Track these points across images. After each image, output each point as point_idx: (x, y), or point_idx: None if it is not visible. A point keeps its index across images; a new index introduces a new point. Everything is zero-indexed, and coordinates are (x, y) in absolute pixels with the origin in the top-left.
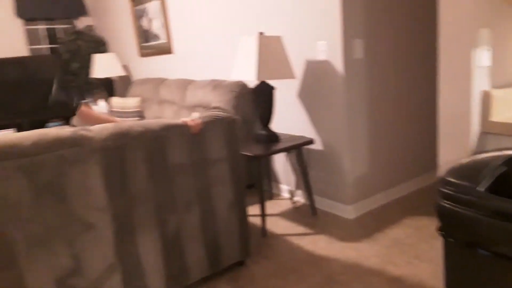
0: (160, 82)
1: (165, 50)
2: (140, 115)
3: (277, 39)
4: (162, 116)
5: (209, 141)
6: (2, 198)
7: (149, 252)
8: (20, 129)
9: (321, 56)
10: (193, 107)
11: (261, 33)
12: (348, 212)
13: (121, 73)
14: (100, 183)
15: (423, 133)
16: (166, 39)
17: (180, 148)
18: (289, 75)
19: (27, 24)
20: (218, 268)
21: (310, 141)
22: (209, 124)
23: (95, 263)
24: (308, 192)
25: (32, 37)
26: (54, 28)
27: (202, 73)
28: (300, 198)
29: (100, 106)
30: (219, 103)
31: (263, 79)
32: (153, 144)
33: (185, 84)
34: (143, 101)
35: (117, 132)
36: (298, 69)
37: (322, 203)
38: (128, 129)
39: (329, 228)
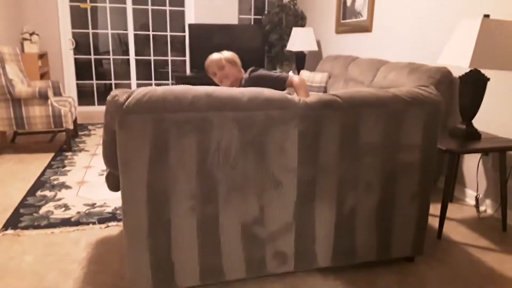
0: (351, 60)
1: (363, 28)
2: (325, 90)
3: (507, 25)
4: None
5: (407, 124)
6: (217, 142)
7: (324, 222)
8: None
9: None
10: (381, 89)
11: (486, 16)
12: None
13: (314, 48)
14: (294, 146)
15: None
16: (367, 16)
17: (375, 127)
18: None
19: None
20: (385, 257)
21: None
22: (411, 104)
23: (276, 218)
24: (502, 205)
25: (242, 8)
26: (263, 1)
27: (399, 55)
28: (488, 208)
29: None
30: None
31: (476, 67)
32: (350, 118)
33: (378, 65)
34: (330, 77)
35: (320, 102)
36: None
37: None
38: (331, 100)
39: None
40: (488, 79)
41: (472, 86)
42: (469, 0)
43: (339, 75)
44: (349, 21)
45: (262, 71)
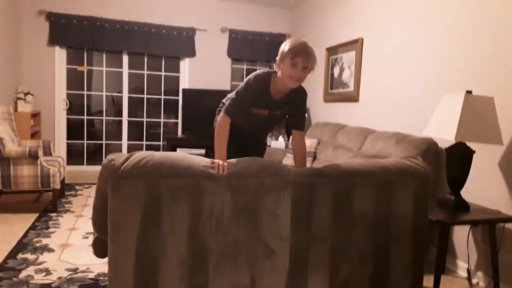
0: (339, 127)
1: (351, 98)
2: (314, 156)
3: (489, 101)
4: (335, 160)
5: (397, 194)
6: (210, 209)
7: None
8: (209, 151)
9: None
10: (369, 157)
11: (468, 92)
12: None
13: None
14: (287, 214)
15: None
16: (353, 87)
17: (366, 197)
18: (495, 140)
19: (233, 64)
20: None
21: (509, 219)
22: (400, 175)
23: None
24: (495, 278)
25: (235, 75)
26: (254, 69)
27: (385, 125)
28: (480, 281)
29: (279, 142)
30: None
31: (462, 140)
32: (342, 187)
33: (365, 133)
34: (319, 143)
35: (312, 170)
36: (507, 135)
37: None
38: (323, 169)
39: None
40: (474, 152)
41: (458, 158)
42: (452, 76)
43: (328, 141)
44: (337, 91)
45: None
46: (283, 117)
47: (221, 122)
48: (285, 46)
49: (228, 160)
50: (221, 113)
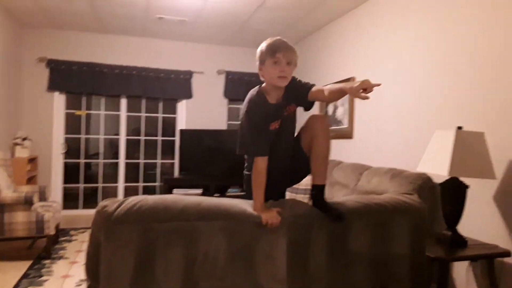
0: (335, 164)
1: (345, 135)
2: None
3: (479, 136)
4: (331, 197)
5: (393, 232)
6: (204, 253)
7: None
8: (206, 190)
9: None
10: (365, 193)
11: (459, 128)
12: None
13: None
14: (283, 255)
15: None
16: (348, 124)
17: (363, 235)
18: (488, 174)
19: (230, 104)
20: None
21: (507, 253)
22: (396, 212)
23: None
24: None
25: (231, 115)
26: None
27: (380, 161)
28: None
29: None
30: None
31: (455, 175)
32: (338, 227)
33: (361, 169)
34: None
35: (307, 210)
36: (499, 168)
37: None
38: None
39: None
40: (468, 186)
41: (453, 193)
42: (443, 112)
43: None
44: (331, 128)
45: None
46: (295, 108)
47: (258, 167)
48: (260, 49)
49: (274, 211)
50: (255, 160)
